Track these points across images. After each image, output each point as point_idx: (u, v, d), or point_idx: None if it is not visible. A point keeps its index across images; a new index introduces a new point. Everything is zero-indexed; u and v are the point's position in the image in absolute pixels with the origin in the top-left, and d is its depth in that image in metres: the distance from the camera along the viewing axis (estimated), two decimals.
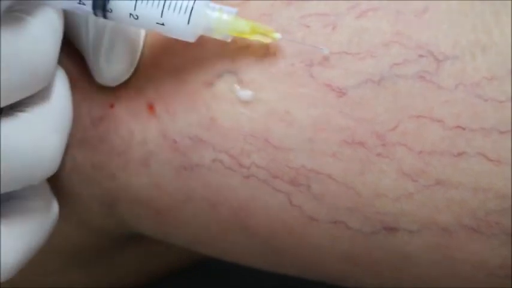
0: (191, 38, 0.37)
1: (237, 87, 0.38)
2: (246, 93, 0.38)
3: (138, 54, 0.40)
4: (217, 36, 0.37)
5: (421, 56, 0.37)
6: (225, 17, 0.37)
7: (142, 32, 0.40)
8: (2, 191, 0.35)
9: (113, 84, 0.40)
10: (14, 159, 0.34)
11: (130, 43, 0.39)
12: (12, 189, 0.35)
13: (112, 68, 0.39)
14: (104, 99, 0.40)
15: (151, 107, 0.40)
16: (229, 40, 0.38)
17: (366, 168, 0.37)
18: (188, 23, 0.36)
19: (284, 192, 0.38)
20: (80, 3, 0.36)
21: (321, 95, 0.37)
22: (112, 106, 0.40)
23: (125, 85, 0.40)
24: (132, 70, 0.40)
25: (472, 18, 0.37)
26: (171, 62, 0.40)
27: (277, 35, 0.37)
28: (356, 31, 0.37)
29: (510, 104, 0.36)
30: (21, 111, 0.35)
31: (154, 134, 0.39)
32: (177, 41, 0.38)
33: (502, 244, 0.37)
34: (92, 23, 0.39)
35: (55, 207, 0.39)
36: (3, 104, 0.34)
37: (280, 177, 0.38)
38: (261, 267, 0.43)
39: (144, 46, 0.40)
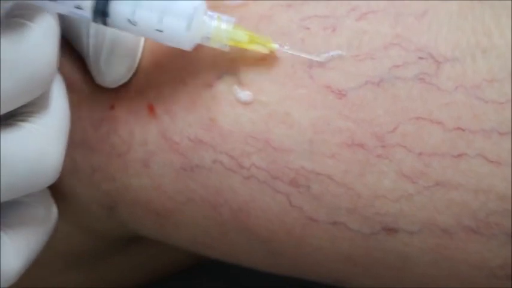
0: (188, 47, 0.37)
1: (236, 88, 0.38)
2: (245, 95, 0.38)
3: (139, 55, 0.40)
4: (215, 45, 0.37)
5: (420, 58, 0.37)
6: (223, 25, 0.37)
7: None
8: (4, 200, 0.35)
9: (113, 85, 0.40)
10: (17, 169, 0.34)
11: (131, 44, 0.39)
12: (14, 197, 0.35)
13: (112, 70, 0.39)
14: (104, 101, 0.40)
15: (151, 108, 0.40)
16: (227, 49, 0.38)
17: (366, 169, 0.37)
18: (187, 30, 0.36)
19: (284, 193, 0.38)
20: (77, 8, 0.36)
21: (321, 96, 0.37)
22: (112, 107, 0.40)
23: (125, 86, 0.40)
24: (132, 71, 0.40)
25: (472, 21, 0.37)
26: (171, 63, 0.40)
27: (275, 45, 0.37)
28: (356, 33, 0.37)
29: (510, 105, 0.36)
30: (22, 120, 0.35)
31: (155, 135, 0.40)
32: None
33: (501, 245, 0.37)
34: (92, 24, 0.39)
35: (55, 212, 0.39)
36: (3, 111, 0.34)
37: (280, 178, 0.38)
38: (261, 268, 0.43)
39: (144, 47, 0.40)
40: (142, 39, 0.40)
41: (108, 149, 0.40)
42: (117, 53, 0.39)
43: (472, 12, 0.37)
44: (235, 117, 0.38)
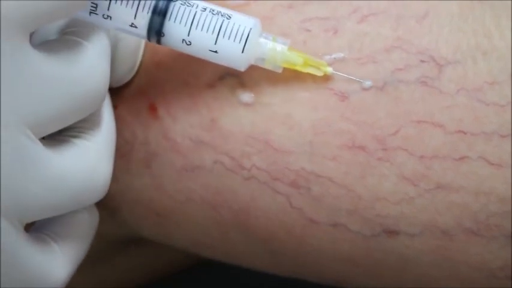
0: (243, 67, 0.37)
1: (238, 89, 0.38)
2: (247, 96, 0.38)
3: (140, 55, 0.40)
4: (268, 66, 0.37)
5: (422, 61, 0.37)
6: (278, 47, 0.37)
7: None
8: (55, 214, 0.34)
9: (116, 85, 0.40)
10: (69, 186, 0.34)
11: (133, 44, 0.39)
12: (65, 212, 0.35)
13: (114, 69, 0.39)
14: None
15: (153, 108, 0.40)
16: (280, 71, 0.37)
17: (367, 171, 0.37)
18: (242, 51, 0.36)
19: (284, 194, 0.38)
20: (131, 26, 0.36)
21: (323, 98, 0.37)
22: (115, 108, 0.40)
23: (127, 86, 0.40)
24: (134, 71, 0.40)
25: (473, 23, 0.37)
26: (173, 63, 0.40)
27: (329, 69, 0.37)
28: (357, 36, 0.37)
29: (511, 108, 0.36)
30: (74, 136, 0.35)
31: (156, 135, 0.40)
32: None
33: (502, 246, 0.37)
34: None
35: (97, 216, 0.39)
36: (56, 129, 0.34)
37: (281, 179, 0.38)
38: (261, 268, 0.43)
39: (146, 47, 0.40)
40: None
41: None
42: (119, 52, 0.39)
43: (473, 13, 0.37)
44: (236, 118, 0.38)
